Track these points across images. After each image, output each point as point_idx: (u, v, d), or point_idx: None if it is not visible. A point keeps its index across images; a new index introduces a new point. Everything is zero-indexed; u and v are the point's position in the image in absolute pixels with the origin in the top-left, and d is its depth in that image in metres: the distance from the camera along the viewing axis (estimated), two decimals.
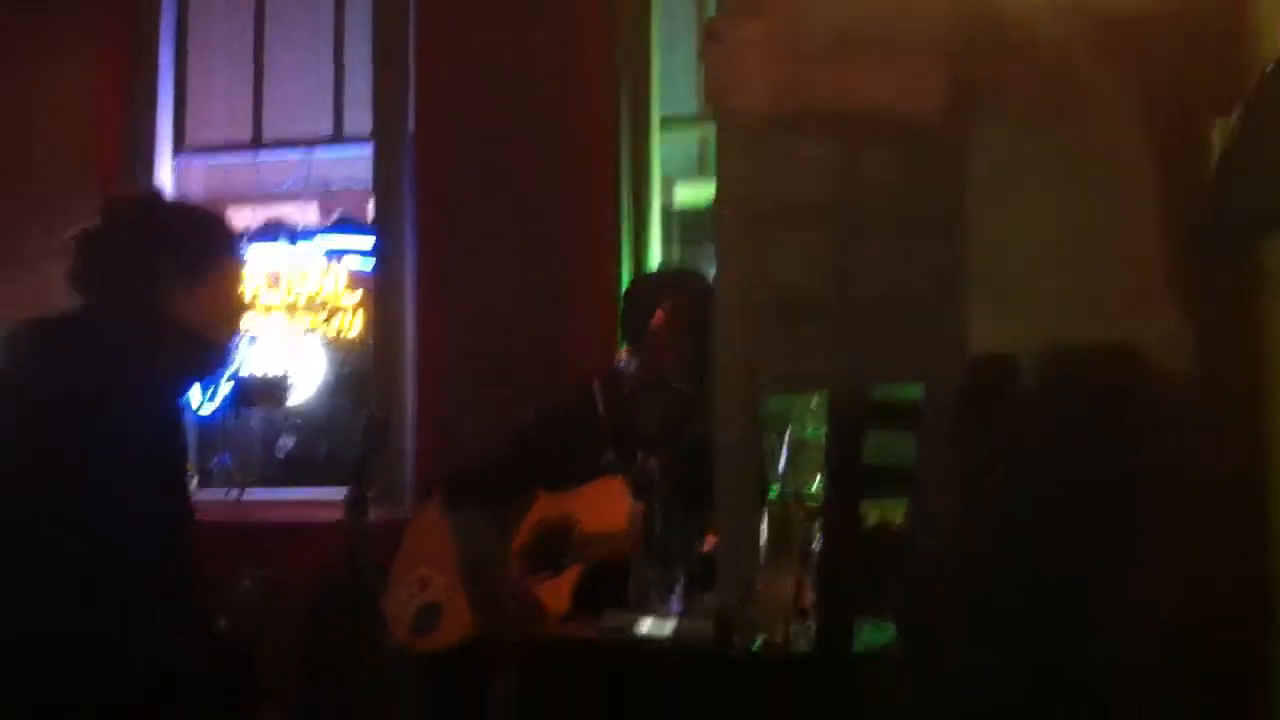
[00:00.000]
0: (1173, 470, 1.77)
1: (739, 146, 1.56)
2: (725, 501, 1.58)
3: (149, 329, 2.36)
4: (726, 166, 1.59)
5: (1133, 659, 1.77)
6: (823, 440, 2.29)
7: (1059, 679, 1.71)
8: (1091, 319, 1.69)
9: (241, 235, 4.81)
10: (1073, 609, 1.71)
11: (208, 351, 2.45)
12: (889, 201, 1.67)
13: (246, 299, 2.64)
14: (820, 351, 1.63)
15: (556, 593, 3.04)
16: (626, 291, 3.68)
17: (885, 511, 2.32)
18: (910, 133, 1.64)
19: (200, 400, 4.74)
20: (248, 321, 4.82)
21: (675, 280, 3.52)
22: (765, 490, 2.41)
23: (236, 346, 2.66)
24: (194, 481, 4.50)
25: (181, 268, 2.41)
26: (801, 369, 1.63)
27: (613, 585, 2.79)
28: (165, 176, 4.82)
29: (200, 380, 2.49)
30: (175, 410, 2.41)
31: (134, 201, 2.61)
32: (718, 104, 1.59)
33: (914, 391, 2.00)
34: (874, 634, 2.37)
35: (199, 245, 2.46)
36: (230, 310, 2.53)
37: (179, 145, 4.90)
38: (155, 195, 2.66)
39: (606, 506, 3.04)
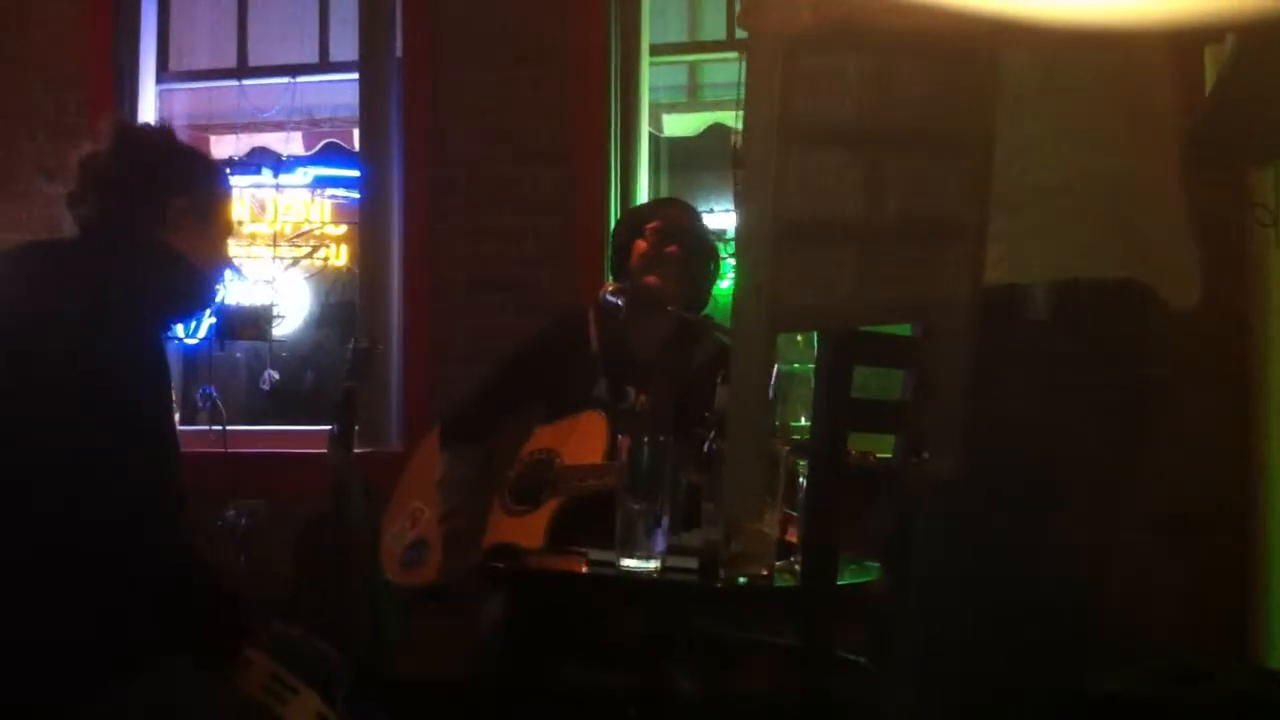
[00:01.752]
0: (1176, 403, 1.75)
1: (771, 68, 1.51)
2: (735, 437, 1.54)
3: (151, 257, 2.37)
4: (756, 89, 1.53)
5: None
6: (810, 374, 2.26)
7: (1050, 609, 1.69)
8: (1106, 250, 1.67)
9: (226, 165, 4.81)
10: (1066, 547, 1.69)
11: (203, 284, 2.47)
12: (921, 125, 1.63)
13: (232, 231, 2.67)
14: (845, 280, 1.59)
15: (531, 528, 3.00)
16: (614, 227, 3.66)
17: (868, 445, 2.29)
18: (944, 54, 1.61)
19: (185, 332, 4.71)
20: (233, 253, 4.79)
21: (657, 207, 3.49)
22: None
23: (223, 280, 2.68)
24: (177, 414, 4.48)
25: (189, 203, 2.43)
26: (826, 299, 1.59)
27: (588, 521, 2.77)
28: (149, 102, 4.76)
29: (192, 313, 2.52)
30: (163, 341, 2.41)
31: (146, 132, 2.64)
32: (752, 23, 1.55)
33: (903, 327, 1.98)
34: (859, 572, 2.36)
35: (204, 181, 2.49)
36: (224, 245, 2.57)
37: (163, 71, 4.83)
38: (165, 129, 2.65)
39: (586, 441, 3.02)
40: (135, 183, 2.41)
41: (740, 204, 1.61)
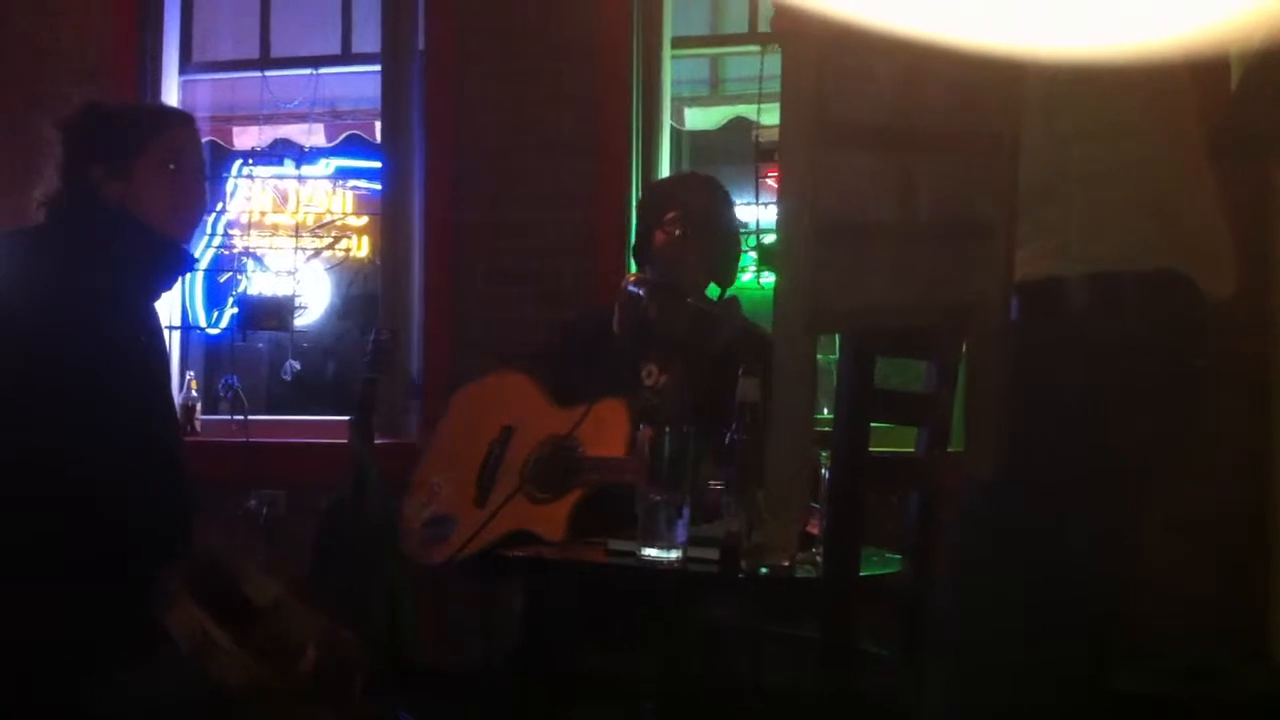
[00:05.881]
0: (1217, 394, 1.75)
1: (806, 69, 1.51)
2: (779, 437, 1.54)
3: (85, 233, 2.34)
4: (793, 90, 1.53)
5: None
6: (832, 365, 2.26)
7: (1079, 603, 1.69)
8: (1145, 240, 1.67)
9: (249, 155, 4.82)
10: (1111, 541, 1.69)
11: (156, 241, 2.40)
12: (950, 126, 1.63)
13: (198, 182, 2.51)
14: (881, 281, 1.59)
15: (554, 517, 2.95)
16: (637, 208, 3.64)
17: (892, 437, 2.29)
18: (970, 55, 1.61)
19: (207, 321, 4.73)
20: (256, 244, 4.80)
21: (676, 191, 3.40)
22: None
23: (195, 234, 2.59)
24: (198, 404, 4.49)
25: (105, 169, 2.39)
26: (862, 300, 1.58)
27: (609, 512, 2.74)
28: (172, 93, 4.77)
29: (163, 273, 2.43)
30: (137, 316, 2.37)
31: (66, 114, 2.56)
32: (787, 25, 1.55)
33: None
34: (882, 564, 2.36)
35: (117, 141, 2.41)
36: (174, 195, 2.44)
37: (185, 62, 4.84)
38: (87, 103, 2.59)
39: (606, 428, 2.99)
40: (61, 166, 2.41)
41: (778, 206, 1.60)
